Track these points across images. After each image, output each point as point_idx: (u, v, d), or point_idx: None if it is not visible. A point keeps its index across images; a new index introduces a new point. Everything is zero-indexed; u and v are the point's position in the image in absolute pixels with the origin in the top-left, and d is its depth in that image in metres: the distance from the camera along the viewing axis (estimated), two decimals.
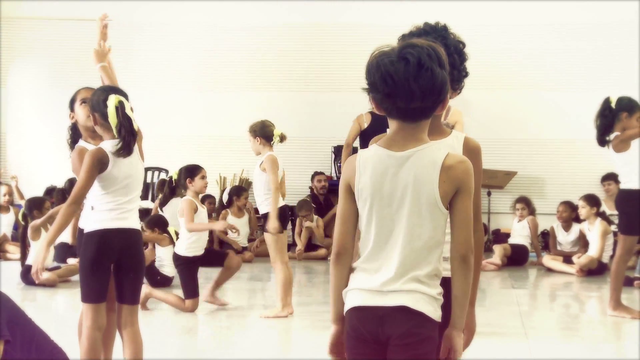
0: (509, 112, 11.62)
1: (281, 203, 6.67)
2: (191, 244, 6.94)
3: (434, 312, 2.41)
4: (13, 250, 10.37)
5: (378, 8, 11.96)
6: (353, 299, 2.47)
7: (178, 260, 6.98)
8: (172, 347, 5.76)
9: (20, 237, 8.45)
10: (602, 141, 6.65)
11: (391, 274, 2.40)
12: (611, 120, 6.52)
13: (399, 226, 2.41)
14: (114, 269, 4.03)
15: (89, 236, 4.00)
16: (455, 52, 2.77)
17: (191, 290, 6.94)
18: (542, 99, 11.69)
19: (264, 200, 6.66)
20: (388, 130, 2.51)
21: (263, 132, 6.66)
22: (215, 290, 7.20)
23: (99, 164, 3.94)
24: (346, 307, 2.49)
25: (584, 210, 9.53)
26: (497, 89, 11.52)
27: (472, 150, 2.73)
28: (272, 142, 6.68)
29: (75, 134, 4.48)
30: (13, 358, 3.45)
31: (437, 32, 2.77)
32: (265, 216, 6.69)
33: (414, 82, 2.33)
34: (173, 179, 7.13)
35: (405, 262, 2.40)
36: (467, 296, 2.43)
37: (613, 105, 6.54)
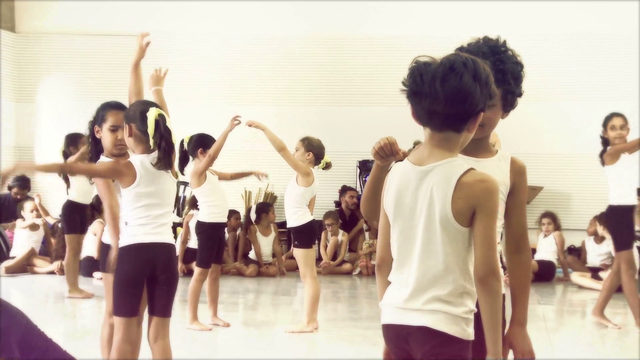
0: (534, 126, 11.55)
1: (310, 218, 6.69)
2: (211, 210, 6.71)
3: (462, 332, 2.35)
4: (41, 264, 10.47)
5: (402, 21, 11.97)
6: (383, 316, 2.48)
7: (200, 227, 6.79)
8: None
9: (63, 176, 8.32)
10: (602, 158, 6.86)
11: (410, 289, 2.38)
12: (605, 139, 6.79)
13: (417, 242, 2.39)
14: (147, 282, 4.04)
15: (125, 251, 4.02)
16: (512, 77, 2.69)
17: (205, 259, 6.74)
18: (568, 112, 11.62)
19: (293, 214, 6.65)
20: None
21: (317, 151, 6.66)
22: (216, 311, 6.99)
23: (113, 174, 4.01)
24: (382, 315, 2.49)
25: (599, 228, 9.77)
26: (522, 101, 11.44)
27: (518, 171, 2.70)
28: (317, 164, 6.68)
29: (96, 148, 4.45)
30: None
31: (496, 55, 2.69)
32: (294, 230, 6.70)
33: (440, 83, 2.30)
34: (184, 143, 6.61)
35: (421, 279, 2.37)
36: (494, 320, 2.33)
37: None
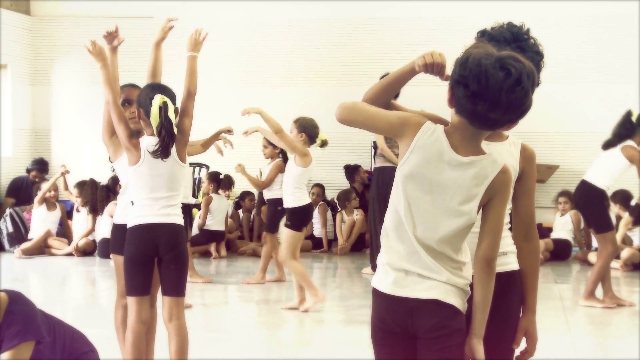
0: (548, 105, 11.44)
1: (307, 201, 6.68)
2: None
3: (463, 304, 2.42)
4: (58, 245, 10.54)
5: (423, 3, 11.89)
6: (383, 278, 2.46)
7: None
8: (207, 344, 5.81)
9: None
10: (611, 145, 7.21)
11: (418, 259, 2.39)
12: (631, 132, 7.10)
13: (427, 213, 2.39)
14: (157, 263, 4.08)
15: (132, 230, 4.07)
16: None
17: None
18: (584, 92, 11.54)
19: (291, 194, 6.63)
20: (451, 119, 2.44)
21: (310, 131, 6.62)
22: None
23: (123, 120, 4.05)
24: (377, 283, 2.48)
25: (614, 207, 9.85)
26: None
27: (528, 157, 2.73)
28: (312, 144, 6.67)
29: None
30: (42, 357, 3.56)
31: (517, 42, 2.65)
32: (289, 210, 6.65)
33: (506, 94, 2.27)
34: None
35: (425, 251, 2.38)
36: (488, 302, 2.41)
37: (634, 119, 7.07)
